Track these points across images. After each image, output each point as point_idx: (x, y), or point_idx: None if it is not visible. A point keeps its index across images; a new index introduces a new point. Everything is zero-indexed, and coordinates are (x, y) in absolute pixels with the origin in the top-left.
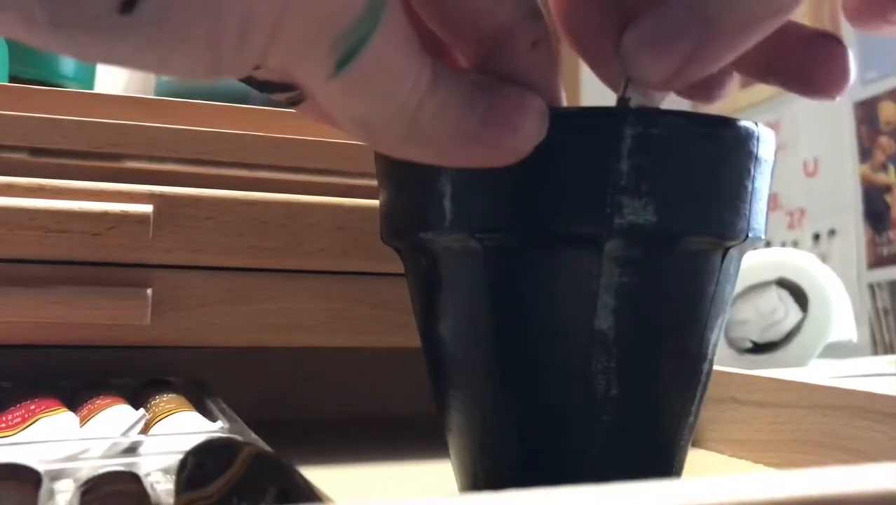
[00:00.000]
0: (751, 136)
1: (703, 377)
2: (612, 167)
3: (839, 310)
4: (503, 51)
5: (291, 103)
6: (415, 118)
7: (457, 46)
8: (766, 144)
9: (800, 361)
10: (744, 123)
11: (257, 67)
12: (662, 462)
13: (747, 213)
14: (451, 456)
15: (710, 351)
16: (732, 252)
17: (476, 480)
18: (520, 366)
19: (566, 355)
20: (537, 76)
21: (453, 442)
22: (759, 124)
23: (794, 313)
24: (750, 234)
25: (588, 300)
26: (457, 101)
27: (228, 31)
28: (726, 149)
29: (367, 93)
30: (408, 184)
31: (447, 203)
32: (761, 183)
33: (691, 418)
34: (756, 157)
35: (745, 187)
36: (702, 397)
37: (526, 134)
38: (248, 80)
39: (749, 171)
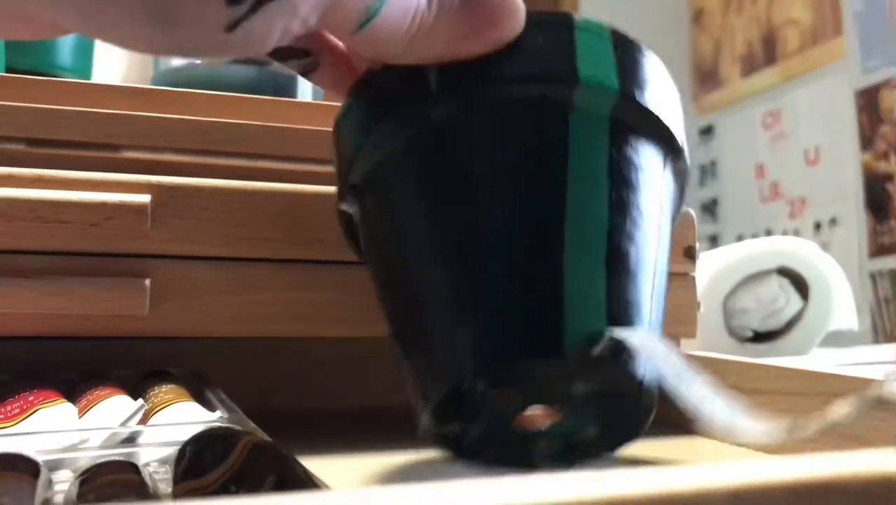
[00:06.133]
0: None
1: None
2: None
3: (840, 298)
4: None
5: (305, 72)
6: (416, 38)
7: None
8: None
9: (801, 350)
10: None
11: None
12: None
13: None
14: (410, 378)
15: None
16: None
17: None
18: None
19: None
20: None
21: (414, 361)
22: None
23: (795, 302)
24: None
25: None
26: (450, 18)
27: None
28: None
29: (383, 40)
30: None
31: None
32: None
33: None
34: None
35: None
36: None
37: (510, 30)
38: None
39: None
